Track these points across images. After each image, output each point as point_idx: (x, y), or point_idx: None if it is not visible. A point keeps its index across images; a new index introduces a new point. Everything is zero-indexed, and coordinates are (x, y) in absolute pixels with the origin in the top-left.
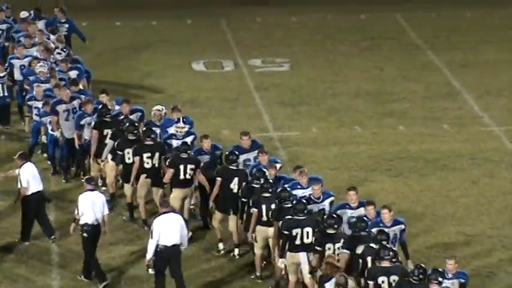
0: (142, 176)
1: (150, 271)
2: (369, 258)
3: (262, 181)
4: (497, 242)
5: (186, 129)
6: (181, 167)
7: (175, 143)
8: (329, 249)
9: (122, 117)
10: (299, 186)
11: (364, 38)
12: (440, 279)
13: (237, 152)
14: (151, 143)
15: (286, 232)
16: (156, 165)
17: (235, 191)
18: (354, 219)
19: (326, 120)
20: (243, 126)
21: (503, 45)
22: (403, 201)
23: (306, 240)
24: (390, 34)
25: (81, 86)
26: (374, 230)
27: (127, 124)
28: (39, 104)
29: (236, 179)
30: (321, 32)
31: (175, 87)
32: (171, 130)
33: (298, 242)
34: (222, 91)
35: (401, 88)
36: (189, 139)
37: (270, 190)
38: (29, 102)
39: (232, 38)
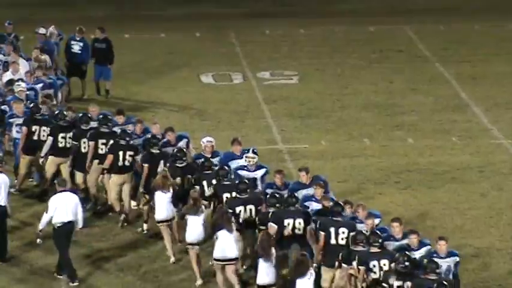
0: (95, 162)
1: (38, 241)
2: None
3: (184, 160)
4: (506, 254)
5: (256, 159)
6: (121, 153)
7: (246, 174)
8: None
9: (168, 145)
10: (357, 221)
11: (373, 50)
12: (437, 270)
13: (159, 137)
14: (107, 130)
15: (230, 210)
16: None
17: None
18: (284, 197)
19: (335, 132)
20: (251, 139)
21: None
22: (412, 214)
23: (249, 219)
24: (399, 46)
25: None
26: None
27: (175, 151)
28: (21, 121)
29: (162, 162)
30: (329, 44)
31: (184, 100)
32: (234, 163)
33: (241, 220)
34: (230, 104)
35: (410, 101)
36: (260, 172)
37: (212, 167)
38: (11, 120)
39: (241, 51)
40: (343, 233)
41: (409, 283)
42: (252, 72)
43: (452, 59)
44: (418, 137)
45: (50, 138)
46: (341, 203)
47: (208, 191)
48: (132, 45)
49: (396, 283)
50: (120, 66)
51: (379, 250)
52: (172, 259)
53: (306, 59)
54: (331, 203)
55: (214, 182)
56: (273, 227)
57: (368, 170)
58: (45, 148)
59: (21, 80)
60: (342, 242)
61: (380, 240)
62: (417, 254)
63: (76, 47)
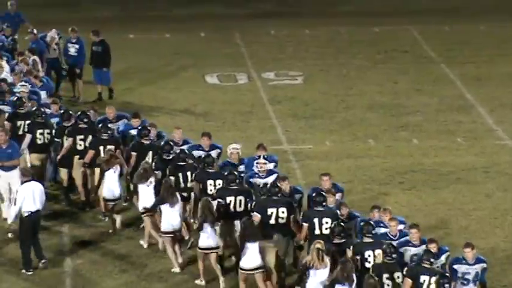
0: (76, 158)
1: (10, 235)
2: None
3: (173, 153)
4: (511, 255)
5: (267, 165)
6: (101, 148)
7: (258, 181)
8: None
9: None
10: (382, 225)
11: (377, 51)
12: (432, 260)
13: (149, 128)
14: (85, 126)
15: (220, 200)
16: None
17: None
18: (268, 187)
19: (339, 133)
20: (256, 139)
21: None
22: (417, 215)
23: (238, 209)
24: (404, 47)
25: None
26: (456, 266)
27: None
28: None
29: (150, 153)
30: (334, 45)
31: (189, 100)
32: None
33: (231, 210)
34: (235, 104)
35: (415, 101)
36: (271, 178)
37: (186, 160)
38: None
39: (246, 51)
40: (327, 223)
41: (399, 273)
42: (257, 73)
43: (457, 60)
44: (423, 137)
45: (29, 136)
46: (323, 193)
47: (182, 183)
48: (137, 46)
49: (385, 275)
50: (125, 66)
51: (372, 240)
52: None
53: (311, 60)
54: (347, 210)
55: (189, 174)
56: (256, 216)
57: (373, 170)
58: (24, 145)
59: (26, 81)
60: (326, 232)
61: (373, 231)
62: (438, 263)
63: (72, 50)
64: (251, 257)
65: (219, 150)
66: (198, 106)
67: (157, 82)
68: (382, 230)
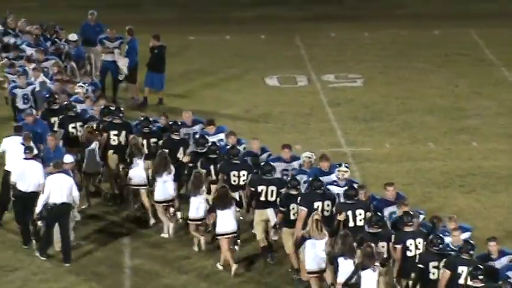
0: (110, 152)
1: (39, 223)
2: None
3: (207, 146)
4: None
5: (348, 173)
6: (144, 141)
7: (337, 189)
8: (293, 209)
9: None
10: (447, 233)
11: (437, 54)
12: (471, 251)
13: (179, 123)
14: (119, 121)
15: (252, 189)
16: (123, 142)
17: (181, 159)
18: (310, 180)
19: (399, 136)
20: (315, 141)
21: None
22: (476, 218)
23: (270, 198)
24: (464, 50)
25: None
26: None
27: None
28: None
29: (181, 148)
30: (394, 47)
31: (249, 102)
32: (324, 179)
33: (263, 198)
34: (295, 106)
35: (475, 104)
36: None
37: (217, 152)
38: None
39: (306, 54)
40: (360, 214)
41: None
42: (317, 75)
43: None
44: (483, 140)
45: (61, 130)
46: (355, 187)
47: (214, 175)
48: (197, 48)
49: (432, 263)
50: (185, 69)
51: (413, 229)
52: (85, 205)
53: (371, 62)
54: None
55: (218, 166)
56: (303, 211)
57: (432, 173)
58: (57, 140)
59: (84, 82)
60: (360, 224)
61: (414, 220)
62: (497, 264)
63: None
64: (223, 222)
65: (300, 161)
66: (258, 108)
67: (218, 84)
68: (447, 240)
